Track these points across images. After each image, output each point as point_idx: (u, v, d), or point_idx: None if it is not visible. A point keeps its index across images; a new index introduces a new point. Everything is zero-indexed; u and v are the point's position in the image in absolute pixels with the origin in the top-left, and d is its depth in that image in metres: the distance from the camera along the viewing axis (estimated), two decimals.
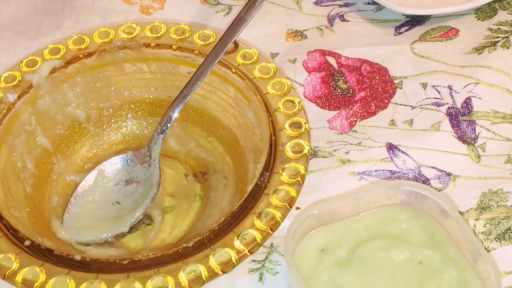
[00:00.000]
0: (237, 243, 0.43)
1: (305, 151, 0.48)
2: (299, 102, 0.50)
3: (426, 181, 0.53)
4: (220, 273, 0.42)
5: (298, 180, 0.46)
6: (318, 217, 0.46)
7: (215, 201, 0.52)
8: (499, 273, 0.43)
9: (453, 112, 0.57)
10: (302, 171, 0.46)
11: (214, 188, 0.53)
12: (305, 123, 0.49)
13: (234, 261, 0.42)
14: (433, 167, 0.54)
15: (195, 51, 0.54)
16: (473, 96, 0.58)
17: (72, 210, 0.51)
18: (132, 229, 0.51)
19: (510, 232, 0.50)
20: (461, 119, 0.57)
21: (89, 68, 0.54)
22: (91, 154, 0.55)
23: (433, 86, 0.59)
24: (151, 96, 0.56)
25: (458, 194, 0.52)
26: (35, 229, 0.48)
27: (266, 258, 0.49)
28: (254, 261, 0.49)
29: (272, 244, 0.50)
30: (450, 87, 0.58)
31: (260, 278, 0.48)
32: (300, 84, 0.60)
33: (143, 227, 0.51)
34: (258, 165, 0.47)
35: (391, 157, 0.54)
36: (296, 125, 0.49)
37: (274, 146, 0.48)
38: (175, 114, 0.52)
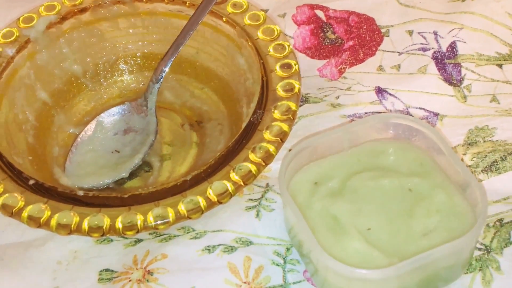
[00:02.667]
0: (233, 175, 0.45)
1: (296, 89, 0.49)
2: (288, 46, 0.52)
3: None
4: (218, 203, 0.44)
5: (289, 117, 0.48)
6: (310, 153, 0.48)
7: (211, 146, 0.53)
8: (487, 198, 0.44)
9: (439, 56, 0.59)
10: (294, 108, 0.48)
11: (210, 135, 0.54)
12: (295, 64, 0.51)
13: (231, 191, 0.44)
14: (421, 108, 0.56)
15: (186, 3, 0.55)
16: (457, 40, 0.59)
17: (73, 158, 0.52)
18: (132, 175, 0.52)
19: (497, 164, 0.51)
20: (446, 62, 0.58)
21: (84, 24, 0.56)
22: (89, 107, 0.57)
23: (419, 33, 0.61)
24: (146, 51, 0.58)
25: (446, 132, 0.54)
26: (38, 175, 0.49)
27: (262, 196, 0.51)
28: (250, 199, 0.50)
29: (267, 184, 0.51)
30: (435, 33, 0.60)
31: (257, 215, 0.50)
32: (290, 36, 0.62)
33: (143, 173, 0.53)
34: (251, 105, 0.49)
35: (380, 99, 0.56)
36: (287, 66, 0.51)
37: (266, 87, 0.50)
38: (169, 64, 0.53)
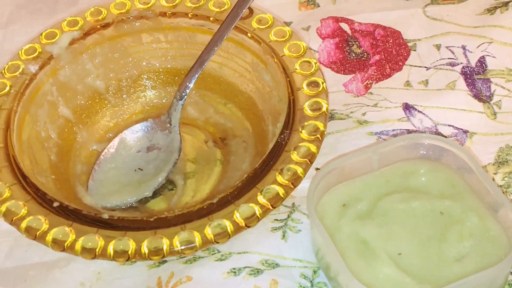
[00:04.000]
0: (260, 198, 0.44)
1: (324, 108, 0.48)
2: (315, 63, 0.51)
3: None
4: (245, 227, 0.43)
5: (317, 137, 0.47)
6: (339, 174, 0.47)
7: (235, 164, 0.52)
8: None
9: (468, 71, 0.57)
10: (322, 128, 0.47)
11: (234, 152, 0.53)
12: (322, 82, 0.50)
13: (258, 215, 0.43)
14: (450, 125, 0.54)
15: (210, 18, 0.55)
16: (487, 55, 0.58)
17: (96, 176, 0.52)
18: (155, 194, 0.52)
19: None
20: (475, 77, 0.57)
21: (107, 39, 0.55)
22: (112, 123, 0.56)
23: (447, 47, 0.59)
24: (169, 66, 0.57)
25: (476, 150, 0.53)
26: (62, 195, 0.49)
27: (288, 217, 0.50)
28: (276, 220, 0.49)
29: (293, 204, 0.50)
30: (463, 47, 0.59)
31: (283, 236, 0.49)
32: (314, 50, 0.61)
33: (166, 192, 0.52)
34: (278, 124, 0.48)
35: (408, 116, 0.55)
36: (314, 84, 0.50)
37: (292, 106, 0.49)
38: (193, 80, 0.52)
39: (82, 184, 0.52)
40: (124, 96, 0.57)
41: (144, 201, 0.51)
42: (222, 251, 0.48)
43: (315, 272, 0.47)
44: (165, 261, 0.48)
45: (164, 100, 0.57)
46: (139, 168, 0.53)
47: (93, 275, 0.48)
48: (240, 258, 0.48)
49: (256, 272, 0.47)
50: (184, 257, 0.48)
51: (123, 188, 0.51)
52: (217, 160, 0.53)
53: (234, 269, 0.47)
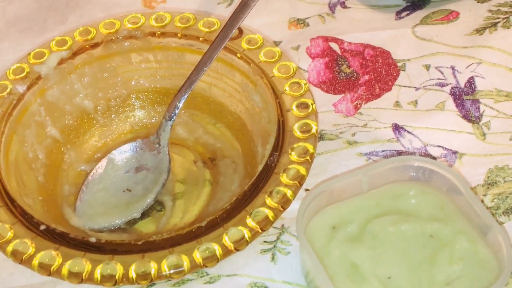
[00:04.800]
0: (249, 221, 0.44)
1: (313, 130, 0.48)
2: (305, 84, 0.51)
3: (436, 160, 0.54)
4: (234, 250, 0.43)
5: (307, 159, 0.47)
6: (328, 196, 0.47)
7: (225, 185, 0.52)
8: (511, 244, 0.43)
9: (457, 92, 0.57)
10: (311, 150, 0.47)
11: (224, 173, 0.53)
12: (312, 104, 0.50)
13: (247, 238, 0.43)
14: (439, 146, 0.54)
15: (200, 38, 0.55)
16: (476, 76, 0.58)
17: (84, 198, 0.51)
18: (144, 215, 0.51)
19: None
20: (465, 98, 0.57)
21: (96, 59, 0.55)
22: (100, 144, 0.56)
23: (436, 67, 0.59)
24: (158, 85, 0.57)
25: (465, 171, 0.53)
26: (49, 216, 0.48)
27: (278, 238, 0.49)
28: (266, 242, 0.49)
29: (283, 225, 0.50)
30: (453, 68, 0.59)
31: (273, 258, 0.48)
32: (304, 70, 0.61)
33: (155, 213, 0.52)
34: (267, 146, 0.48)
35: (397, 137, 0.55)
36: (303, 106, 0.50)
37: (282, 127, 0.49)
38: (182, 101, 0.52)
39: (70, 205, 0.51)
40: (112, 116, 0.56)
41: (132, 222, 0.51)
42: (211, 274, 0.48)
43: None
44: (154, 284, 0.48)
45: (153, 120, 0.57)
46: (127, 189, 0.52)
47: None
48: (229, 281, 0.47)
49: None
50: (172, 279, 0.47)
51: (111, 209, 0.51)
52: (206, 180, 0.53)
53: None
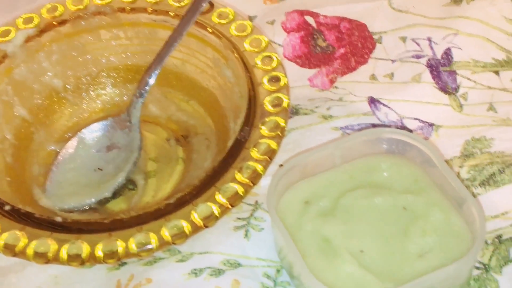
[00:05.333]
0: (219, 197, 0.43)
1: (284, 104, 0.47)
2: (277, 57, 0.50)
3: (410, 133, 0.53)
4: (203, 227, 0.42)
5: (278, 133, 0.46)
6: (301, 170, 0.46)
7: (198, 162, 0.51)
8: (484, 216, 0.42)
9: (434, 64, 0.57)
10: (282, 124, 0.46)
11: (197, 150, 0.52)
12: (283, 77, 0.49)
13: (216, 214, 0.42)
14: (415, 118, 0.54)
15: (170, 14, 0.53)
16: (453, 47, 0.57)
17: (54, 178, 0.50)
18: (115, 194, 0.50)
19: (495, 177, 0.49)
20: (441, 70, 0.56)
21: (64, 36, 0.54)
22: (71, 123, 0.54)
23: (413, 39, 0.58)
24: (129, 63, 0.56)
25: (441, 143, 0.52)
26: (17, 197, 0.47)
27: (251, 215, 0.49)
28: (239, 218, 0.48)
29: (256, 202, 0.49)
30: (429, 39, 0.58)
31: (246, 235, 0.48)
32: (279, 44, 0.60)
33: (126, 192, 0.51)
34: (238, 121, 0.47)
35: (373, 110, 0.54)
36: (275, 80, 0.49)
37: (253, 102, 0.48)
38: (153, 77, 0.51)
39: (40, 185, 0.50)
40: (83, 94, 0.55)
41: (103, 202, 0.50)
42: (183, 252, 0.47)
43: (278, 271, 0.46)
44: (125, 264, 0.47)
45: (125, 98, 0.56)
46: (98, 168, 0.51)
47: (50, 279, 0.46)
48: (201, 258, 0.46)
49: (218, 272, 0.46)
50: (143, 259, 0.47)
51: (82, 189, 0.50)
52: (179, 158, 0.52)
53: (195, 270, 0.46)
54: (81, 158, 0.52)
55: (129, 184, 0.51)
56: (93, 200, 0.49)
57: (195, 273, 0.46)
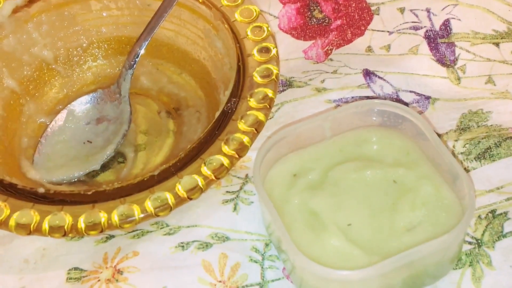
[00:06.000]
0: (204, 169, 0.42)
1: (274, 75, 0.46)
2: (267, 28, 0.49)
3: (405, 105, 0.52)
4: (187, 199, 0.41)
5: (266, 105, 0.45)
6: (290, 143, 0.45)
7: (188, 135, 0.50)
8: (474, 190, 0.41)
9: (432, 35, 0.55)
10: (271, 95, 0.45)
11: (187, 123, 0.51)
12: (273, 48, 0.48)
13: (201, 186, 0.41)
14: (411, 91, 0.52)
15: None
16: (452, 18, 0.56)
17: (43, 150, 0.50)
18: (105, 167, 0.50)
19: (490, 151, 0.48)
20: (439, 41, 0.55)
21: (54, 7, 0.53)
22: (61, 95, 0.54)
23: (411, 10, 0.57)
24: (120, 34, 0.55)
25: (438, 116, 0.51)
26: (4, 169, 0.47)
27: (241, 188, 0.48)
28: (228, 192, 0.48)
29: (247, 175, 0.49)
30: (428, 10, 0.57)
31: (235, 208, 0.47)
32: (275, 16, 0.58)
33: (116, 164, 0.50)
34: (226, 92, 0.46)
35: (368, 83, 0.53)
36: (265, 51, 0.48)
37: (242, 73, 0.47)
38: (143, 48, 0.50)
39: (28, 158, 0.50)
40: (74, 66, 0.54)
41: (93, 174, 0.49)
42: (171, 225, 0.46)
43: (267, 245, 0.45)
44: (113, 237, 0.46)
45: (117, 70, 0.55)
46: (88, 141, 0.51)
47: (37, 252, 0.46)
48: (189, 232, 0.46)
49: (205, 246, 0.45)
50: (132, 231, 0.46)
51: (70, 161, 0.49)
52: (170, 131, 0.52)
53: (182, 243, 0.45)
54: (70, 131, 0.51)
55: (119, 157, 0.50)
56: (81, 172, 0.49)
57: (182, 247, 0.45)
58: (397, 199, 0.42)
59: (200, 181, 0.41)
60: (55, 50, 0.53)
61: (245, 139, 0.43)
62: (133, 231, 0.46)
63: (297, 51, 0.56)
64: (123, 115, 0.51)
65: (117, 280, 0.44)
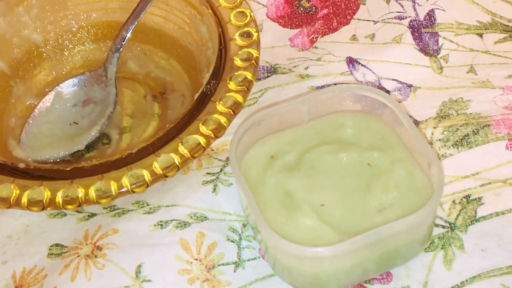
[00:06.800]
0: (181, 148, 0.43)
1: (254, 59, 0.47)
2: (250, 13, 0.50)
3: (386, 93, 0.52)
4: (163, 176, 0.42)
5: (244, 88, 0.46)
6: (269, 125, 0.46)
7: (172, 118, 0.51)
8: (443, 173, 0.42)
9: (416, 25, 0.56)
10: (250, 77, 0.46)
11: (172, 106, 0.52)
12: (255, 32, 0.49)
13: (177, 164, 0.42)
14: (393, 79, 0.53)
15: None
16: (436, 8, 0.57)
17: (30, 130, 0.51)
18: (90, 148, 0.51)
19: (468, 138, 0.49)
20: (423, 31, 0.55)
21: None
22: (50, 78, 0.55)
23: (396, 0, 0.58)
24: (109, 19, 0.56)
25: (418, 104, 0.52)
26: None
27: (221, 170, 0.49)
28: (209, 173, 0.49)
29: (227, 158, 0.49)
30: (413, 0, 0.57)
31: (214, 189, 0.48)
32: (263, 5, 0.59)
33: (100, 146, 0.51)
34: (206, 75, 0.47)
35: (351, 70, 0.54)
36: (246, 35, 0.49)
37: (224, 56, 0.48)
38: (130, 31, 0.51)
39: (15, 137, 0.51)
40: (63, 50, 0.56)
41: (78, 155, 0.50)
42: (151, 205, 0.47)
43: (244, 225, 0.46)
44: (95, 215, 0.47)
45: (105, 54, 0.56)
46: (74, 122, 0.52)
47: (21, 228, 0.47)
48: (168, 211, 0.47)
49: (183, 225, 0.46)
50: (113, 210, 0.47)
51: (56, 141, 0.50)
52: (155, 114, 0.53)
53: (161, 222, 0.46)
54: (57, 112, 0.52)
55: (104, 139, 0.52)
56: (66, 152, 0.50)
57: (161, 225, 0.46)
58: (370, 181, 0.43)
59: (176, 159, 0.42)
60: (45, 33, 0.55)
61: (223, 120, 0.44)
62: (114, 210, 0.47)
63: (284, 39, 0.57)
64: (109, 98, 0.52)
65: (96, 256, 0.45)
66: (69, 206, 0.41)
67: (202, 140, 0.43)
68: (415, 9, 0.57)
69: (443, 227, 0.45)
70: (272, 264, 0.43)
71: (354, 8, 0.58)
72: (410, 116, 0.50)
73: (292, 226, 0.42)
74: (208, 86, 0.46)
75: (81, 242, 0.46)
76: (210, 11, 0.50)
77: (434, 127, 0.50)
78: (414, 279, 0.43)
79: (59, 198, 0.41)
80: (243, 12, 0.50)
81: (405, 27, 0.56)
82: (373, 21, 0.57)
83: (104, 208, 0.48)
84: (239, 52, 0.48)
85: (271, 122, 0.46)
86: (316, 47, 0.56)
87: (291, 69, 0.54)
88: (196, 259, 0.45)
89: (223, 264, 0.45)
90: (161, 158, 0.43)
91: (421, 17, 0.56)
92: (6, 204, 0.42)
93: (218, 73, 0.47)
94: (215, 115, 0.44)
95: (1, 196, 0.42)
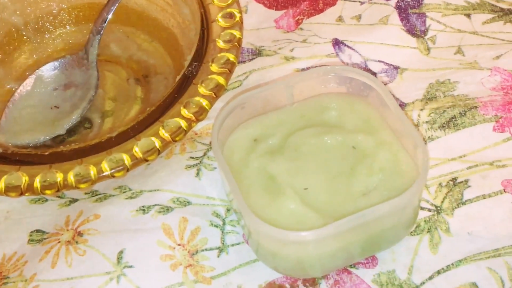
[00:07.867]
0: (162, 132, 0.42)
1: (236, 41, 0.46)
2: None
3: (372, 75, 0.51)
4: (143, 160, 0.41)
5: (226, 70, 0.45)
6: (253, 108, 0.45)
7: (155, 101, 0.50)
8: (428, 156, 0.41)
9: (402, 5, 0.55)
10: (232, 59, 0.45)
11: (155, 90, 0.52)
12: (237, 13, 0.48)
13: (158, 147, 0.42)
14: (380, 61, 0.52)
15: None
16: None
17: (10, 114, 0.50)
18: (71, 132, 0.50)
19: (455, 120, 0.48)
20: (410, 12, 0.55)
21: None
22: (31, 61, 0.54)
23: None
24: (91, 1, 0.55)
25: (405, 86, 0.51)
26: None
27: (205, 154, 0.48)
28: (192, 158, 0.48)
29: (211, 142, 0.49)
30: None
31: (197, 174, 0.47)
32: None
33: (82, 130, 0.50)
34: (187, 57, 0.46)
35: (337, 52, 0.53)
36: (229, 16, 0.48)
37: (206, 38, 0.47)
38: (111, 13, 0.50)
39: None
40: (44, 32, 0.54)
41: (59, 140, 0.50)
42: (134, 190, 0.46)
43: (228, 210, 0.46)
44: (76, 200, 0.47)
45: (87, 37, 0.55)
46: (55, 106, 0.51)
47: (1, 214, 0.46)
48: (151, 196, 0.46)
49: (166, 210, 0.45)
50: (95, 195, 0.47)
51: (37, 126, 0.50)
52: (138, 97, 0.52)
53: (143, 207, 0.45)
54: (38, 96, 0.51)
55: (86, 123, 0.51)
56: (47, 137, 0.49)
57: (143, 210, 0.45)
58: (355, 164, 0.42)
59: (157, 143, 0.42)
60: (25, 16, 0.54)
61: (204, 102, 0.43)
62: (96, 195, 0.47)
63: (269, 20, 0.56)
64: (90, 81, 0.51)
65: (76, 242, 0.44)
66: (48, 191, 0.41)
67: (183, 123, 0.42)
68: None
69: (429, 210, 0.44)
70: (255, 249, 0.43)
71: None
72: (397, 99, 0.50)
73: (275, 210, 0.41)
74: (190, 69, 0.45)
75: (62, 228, 0.45)
76: None
77: (421, 109, 0.49)
78: (400, 263, 0.43)
79: (37, 183, 0.41)
80: None
81: (392, 8, 0.55)
82: (360, 1, 0.56)
83: (85, 193, 0.47)
84: (222, 33, 0.47)
85: (255, 105, 0.45)
86: (301, 29, 0.55)
87: (276, 51, 0.54)
88: (179, 245, 0.44)
89: (206, 250, 0.44)
90: (142, 142, 0.42)
91: None
92: None
93: (200, 55, 0.46)
94: (197, 98, 0.43)
95: None
